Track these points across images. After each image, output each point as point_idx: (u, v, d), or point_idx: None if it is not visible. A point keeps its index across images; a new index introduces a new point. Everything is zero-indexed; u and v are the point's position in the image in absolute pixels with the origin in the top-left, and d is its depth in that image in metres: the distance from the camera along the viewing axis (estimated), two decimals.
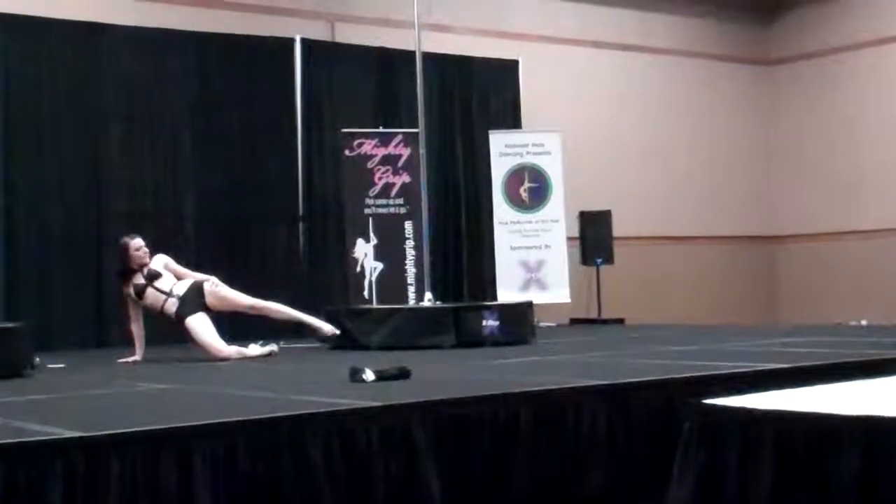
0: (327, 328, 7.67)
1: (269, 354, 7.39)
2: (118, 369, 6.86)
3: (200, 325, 7.21)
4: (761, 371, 5.09)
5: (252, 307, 7.53)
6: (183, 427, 3.60)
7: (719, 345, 7.02)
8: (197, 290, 7.31)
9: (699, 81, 13.37)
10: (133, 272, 7.32)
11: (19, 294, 9.12)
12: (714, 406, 2.64)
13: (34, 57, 9.41)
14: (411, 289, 10.13)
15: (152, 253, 7.47)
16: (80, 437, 3.37)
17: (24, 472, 3.16)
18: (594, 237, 11.44)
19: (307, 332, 7.90)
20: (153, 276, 7.28)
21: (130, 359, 7.23)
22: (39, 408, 4.52)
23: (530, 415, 4.28)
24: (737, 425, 2.54)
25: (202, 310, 7.27)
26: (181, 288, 7.30)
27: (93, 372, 6.84)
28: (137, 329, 7.38)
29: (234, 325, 8.10)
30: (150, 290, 7.27)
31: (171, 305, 7.25)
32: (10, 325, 6.96)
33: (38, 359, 6.71)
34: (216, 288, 7.38)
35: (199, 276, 7.49)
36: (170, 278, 7.33)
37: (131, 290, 7.31)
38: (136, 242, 7.37)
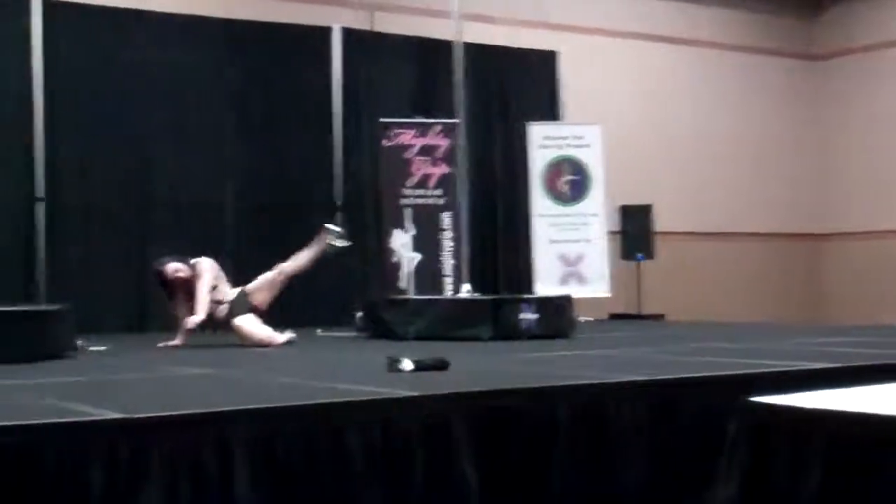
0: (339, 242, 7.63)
1: (290, 342, 7.41)
2: (159, 353, 6.90)
3: (248, 323, 7.32)
4: (807, 370, 5.01)
5: (279, 273, 7.52)
6: (223, 412, 3.61)
7: (762, 343, 6.93)
8: (242, 293, 7.42)
9: (743, 75, 13.25)
10: (177, 291, 7.37)
11: (63, 278, 9.19)
12: (762, 405, 2.60)
13: (77, 43, 9.47)
14: (448, 280, 10.11)
15: (197, 254, 7.48)
16: (123, 419, 3.39)
17: (68, 453, 3.18)
18: (635, 232, 11.36)
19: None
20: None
21: (171, 343, 7.27)
22: (83, 390, 4.55)
23: (570, 409, 4.24)
24: (785, 425, 2.49)
25: (250, 311, 7.35)
26: (230, 295, 7.40)
27: (134, 355, 6.87)
28: (182, 313, 7.40)
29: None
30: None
31: (221, 312, 7.36)
32: (53, 307, 7.02)
33: (80, 341, 6.75)
34: (252, 285, 7.44)
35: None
36: (219, 290, 7.38)
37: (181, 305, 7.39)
38: (171, 267, 7.38)
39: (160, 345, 7.26)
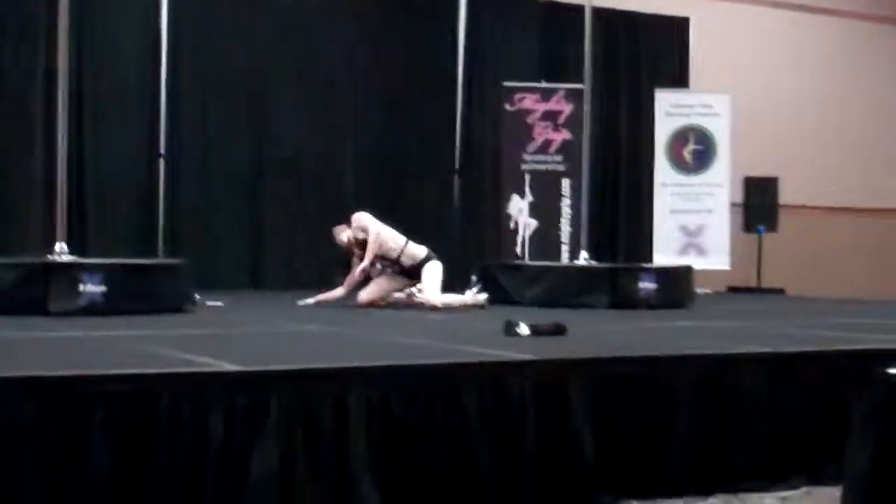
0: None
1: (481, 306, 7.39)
2: (275, 310, 6.96)
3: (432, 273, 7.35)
4: None
5: (429, 304, 7.28)
6: (339, 368, 3.61)
7: (883, 319, 6.71)
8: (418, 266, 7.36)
9: (878, 46, 12.78)
10: (351, 256, 7.43)
11: (180, 234, 9.35)
12: None
13: (202, 5, 9.55)
14: (565, 247, 10.01)
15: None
16: (241, 372, 3.41)
17: (187, 401, 3.21)
18: (759, 204, 11.09)
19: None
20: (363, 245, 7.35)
21: (311, 300, 7.30)
22: (201, 342, 4.60)
23: (689, 379, 4.17)
24: None
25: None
26: (409, 259, 7.34)
27: (250, 311, 6.96)
28: (343, 288, 7.43)
29: None
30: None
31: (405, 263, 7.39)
32: (172, 261, 7.14)
33: (197, 296, 6.86)
34: (429, 272, 7.37)
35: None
36: (388, 244, 7.33)
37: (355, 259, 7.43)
38: (344, 235, 7.44)
39: (300, 303, 7.28)
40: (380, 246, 7.30)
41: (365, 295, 7.34)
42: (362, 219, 7.37)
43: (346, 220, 7.48)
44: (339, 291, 7.41)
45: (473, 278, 8.42)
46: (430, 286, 7.26)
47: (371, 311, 7.02)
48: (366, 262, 7.23)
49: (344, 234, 7.43)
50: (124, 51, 9.29)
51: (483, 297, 7.53)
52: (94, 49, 9.11)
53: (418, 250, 7.39)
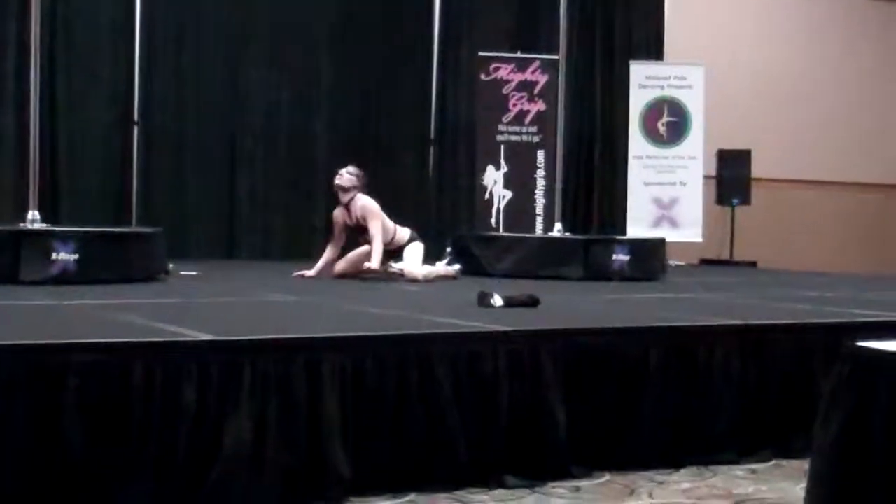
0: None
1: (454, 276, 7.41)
2: (249, 279, 6.94)
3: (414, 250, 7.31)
4: None
5: (407, 274, 7.23)
6: (313, 338, 3.62)
7: (860, 293, 6.77)
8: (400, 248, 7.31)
9: (852, 20, 12.80)
10: (339, 200, 7.32)
11: (154, 202, 9.30)
12: (868, 349, 2.52)
13: None
14: (539, 219, 10.03)
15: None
16: (214, 341, 3.41)
17: (160, 371, 3.21)
18: (732, 177, 11.13)
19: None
20: (362, 230, 7.23)
21: (307, 272, 7.22)
22: (175, 311, 4.59)
23: (661, 351, 4.19)
24: (891, 370, 2.41)
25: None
26: (394, 245, 7.25)
27: (224, 280, 6.95)
28: (332, 250, 7.36)
29: None
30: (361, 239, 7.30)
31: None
32: (146, 230, 7.10)
33: (171, 265, 6.84)
34: (410, 249, 7.33)
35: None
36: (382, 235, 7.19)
37: (339, 218, 7.32)
38: (342, 170, 7.35)
39: (294, 274, 7.20)
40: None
41: (340, 266, 7.33)
42: (370, 207, 7.19)
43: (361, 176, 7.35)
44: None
45: (448, 249, 8.43)
46: (412, 260, 7.26)
47: (345, 281, 7.02)
48: (374, 264, 7.08)
49: (349, 183, 7.27)
50: (98, 17, 9.20)
51: (455, 267, 7.54)
52: (67, 15, 9.01)
53: (403, 234, 7.36)
